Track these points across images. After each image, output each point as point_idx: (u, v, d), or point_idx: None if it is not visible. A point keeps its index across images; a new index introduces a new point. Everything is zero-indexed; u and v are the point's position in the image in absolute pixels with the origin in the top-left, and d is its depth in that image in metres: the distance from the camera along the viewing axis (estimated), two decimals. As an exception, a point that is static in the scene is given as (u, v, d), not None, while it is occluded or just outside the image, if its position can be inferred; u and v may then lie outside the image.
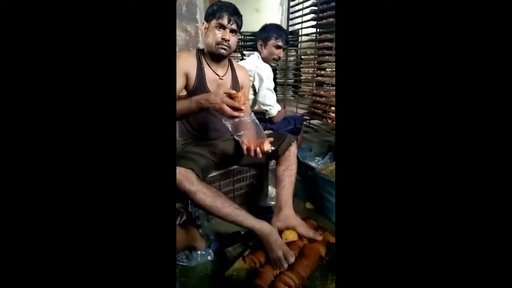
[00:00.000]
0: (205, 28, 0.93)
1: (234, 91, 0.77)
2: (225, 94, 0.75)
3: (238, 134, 0.85)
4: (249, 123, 0.86)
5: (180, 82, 0.92)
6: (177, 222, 0.97)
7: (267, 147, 0.82)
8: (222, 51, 0.93)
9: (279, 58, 1.44)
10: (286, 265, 0.75)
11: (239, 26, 0.94)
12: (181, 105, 0.83)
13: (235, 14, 0.91)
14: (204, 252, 0.91)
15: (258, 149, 0.81)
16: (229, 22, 0.90)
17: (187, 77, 0.93)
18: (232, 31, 0.92)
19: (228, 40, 0.91)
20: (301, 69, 2.86)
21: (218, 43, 0.91)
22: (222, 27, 0.90)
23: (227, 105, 0.74)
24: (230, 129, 0.85)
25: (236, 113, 0.75)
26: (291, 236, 0.86)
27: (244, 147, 0.82)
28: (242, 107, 0.75)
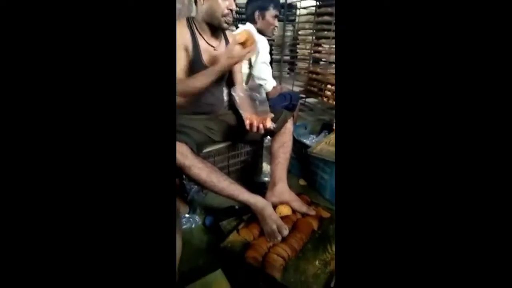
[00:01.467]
0: None
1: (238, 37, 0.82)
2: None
3: (242, 109, 0.85)
4: (255, 99, 0.85)
5: (182, 60, 0.88)
6: None
7: (269, 124, 0.83)
8: (226, 25, 0.87)
9: (275, 28, 1.39)
10: (279, 238, 0.77)
11: None
12: (203, 80, 0.84)
13: None
14: (188, 216, 0.96)
15: (261, 126, 0.82)
16: None
17: (186, 51, 0.89)
18: None
19: (234, 10, 0.86)
20: (297, 45, 2.78)
21: (224, 15, 0.85)
22: None
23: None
24: (238, 101, 0.84)
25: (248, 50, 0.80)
26: (285, 210, 0.88)
27: (247, 122, 0.82)
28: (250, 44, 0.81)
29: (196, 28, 0.91)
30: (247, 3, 1.36)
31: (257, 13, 1.33)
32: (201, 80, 0.85)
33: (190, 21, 0.91)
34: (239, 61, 0.84)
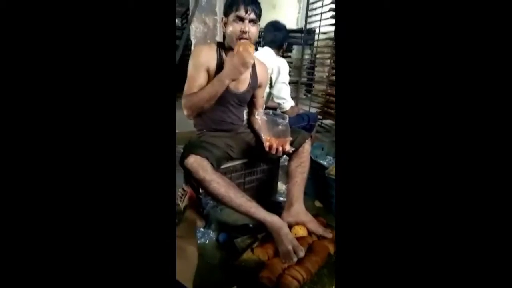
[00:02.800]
0: (225, 23, 0.91)
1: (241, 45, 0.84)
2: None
3: (262, 131, 0.89)
4: (279, 124, 0.86)
5: (202, 78, 0.92)
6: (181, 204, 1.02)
7: (288, 147, 0.86)
8: None
9: None
10: (295, 259, 0.75)
11: (258, 14, 0.89)
12: (211, 89, 0.87)
13: (252, 2, 0.86)
14: (203, 231, 0.97)
15: (280, 148, 0.84)
16: (246, 12, 0.85)
17: (208, 71, 0.93)
18: (251, 21, 0.87)
19: (248, 32, 0.87)
20: (315, 68, 2.84)
21: (238, 38, 0.87)
22: (241, 19, 0.86)
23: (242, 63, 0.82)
24: (260, 123, 0.88)
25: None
26: (300, 231, 0.86)
27: (266, 144, 0.85)
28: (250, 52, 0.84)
29: (224, 52, 0.95)
30: (276, 34, 1.45)
31: (285, 44, 1.50)
32: (208, 90, 0.89)
33: (218, 46, 0.96)
34: (237, 74, 0.85)
